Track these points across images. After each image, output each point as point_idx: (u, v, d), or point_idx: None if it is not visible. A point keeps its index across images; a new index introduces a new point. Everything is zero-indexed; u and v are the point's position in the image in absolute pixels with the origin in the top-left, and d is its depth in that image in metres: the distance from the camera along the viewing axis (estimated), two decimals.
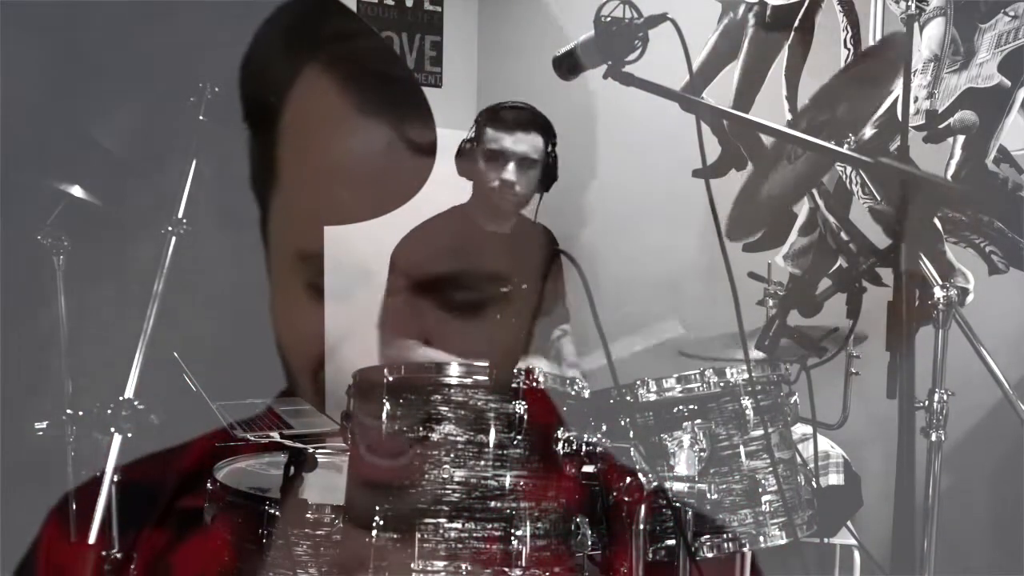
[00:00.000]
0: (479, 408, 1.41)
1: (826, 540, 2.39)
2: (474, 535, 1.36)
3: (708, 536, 1.68)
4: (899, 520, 1.25)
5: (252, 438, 2.37)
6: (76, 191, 2.30)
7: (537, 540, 1.39)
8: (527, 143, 2.33)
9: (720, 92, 3.10)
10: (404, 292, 2.30)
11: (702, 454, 1.68)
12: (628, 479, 1.46)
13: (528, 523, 1.38)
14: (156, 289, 1.59)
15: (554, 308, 2.56)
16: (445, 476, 1.37)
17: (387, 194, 1.03)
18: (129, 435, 1.53)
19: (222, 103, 1.58)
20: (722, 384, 1.73)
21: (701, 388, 1.73)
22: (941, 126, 2.62)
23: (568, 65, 1.33)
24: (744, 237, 2.64)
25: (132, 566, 1.61)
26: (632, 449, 1.50)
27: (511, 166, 2.31)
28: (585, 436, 1.49)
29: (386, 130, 0.95)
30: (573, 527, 1.44)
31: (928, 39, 2.63)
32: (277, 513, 1.61)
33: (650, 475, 1.48)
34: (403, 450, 1.38)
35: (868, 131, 2.66)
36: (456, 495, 1.37)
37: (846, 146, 2.30)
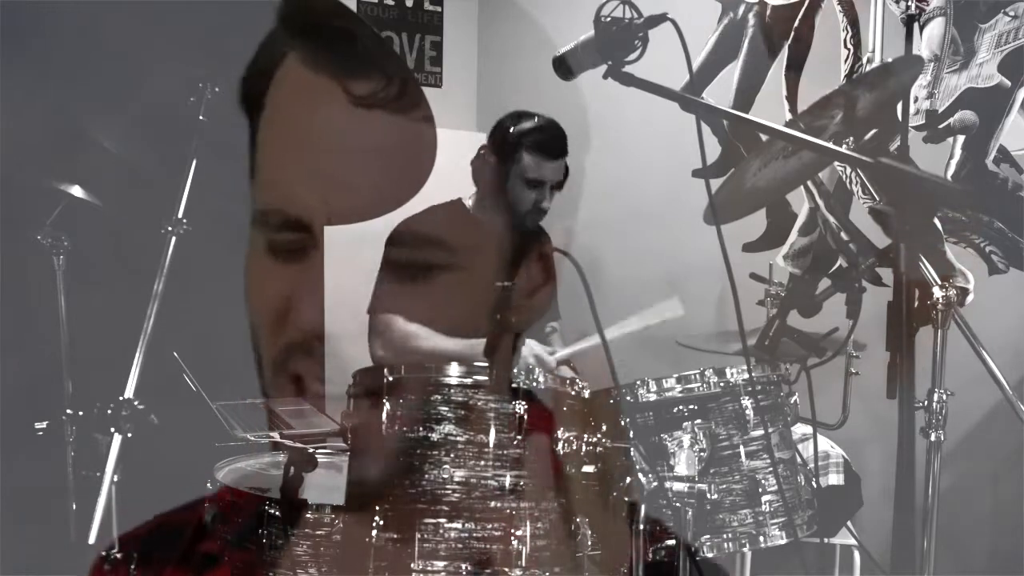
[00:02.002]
0: (479, 408, 1.41)
1: (826, 540, 2.39)
2: (474, 535, 1.36)
3: (708, 536, 1.68)
4: (899, 520, 1.25)
5: (252, 438, 2.37)
6: (76, 191, 2.30)
7: (537, 540, 1.39)
8: (562, 169, 2.36)
9: (720, 92, 3.10)
10: (399, 277, 2.30)
11: (702, 454, 1.68)
12: (628, 479, 1.46)
13: (528, 523, 1.38)
14: (156, 289, 1.60)
15: (548, 306, 2.57)
16: (445, 476, 1.37)
17: (389, 190, 1.02)
18: (129, 435, 1.53)
19: (222, 103, 1.58)
20: (722, 384, 1.73)
21: (701, 388, 1.73)
22: (941, 126, 2.62)
23: (568, 65, 1.33)
24: (724, 221, 2.64)
25: (132, 566, 1.61)
26: (632, 449, 1.50)
27: (547, 193, 2.34)
28: (585, 436, 1.49)
29: (384, 124, 0.93)
30: (573, 527, 1.44)
31: (928, 39, 2.63)
32: (277, 513, 1.61)
33: (650, 475, 1.48)
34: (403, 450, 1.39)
35: (868, 132, 2.66)
36: (456, 495, 1.37)
37: (845, 146, 2.31)
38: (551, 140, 2.34)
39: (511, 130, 2.35)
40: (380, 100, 0.90)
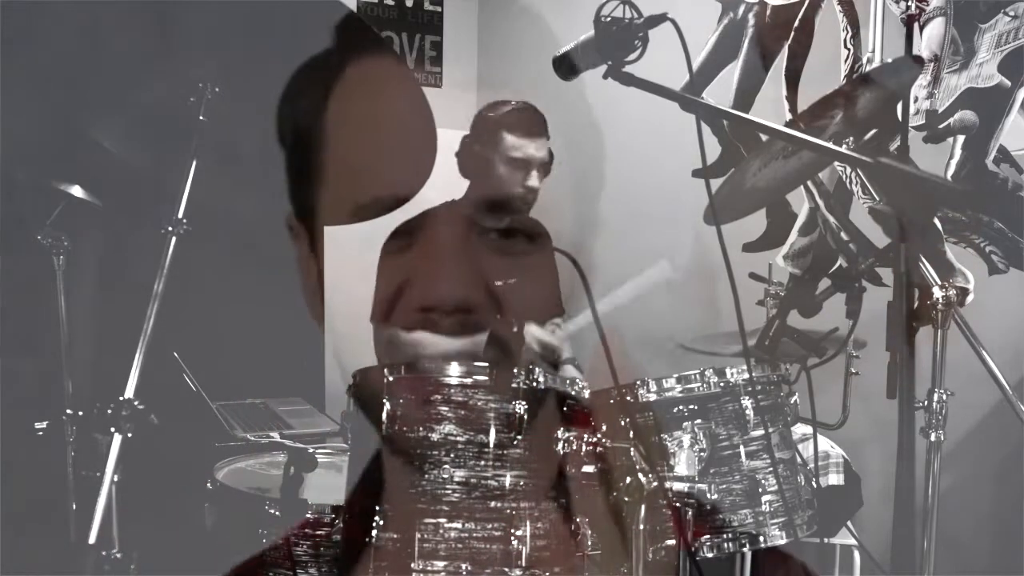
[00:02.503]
0: (479, 408, 1.41)
1: (826, 540, 2.39)
2: (474, 535, 1.36)
3: (708, 536, 1.67)
4: (899, 520, 1.25)
5: (252, 438, 2.38)
6: (76, 191, 2.30)
7: (537, 540, 1.39)
8: (545, 148, 2.36)
9: (720, 92, 3.10)
10: (396, 284, 2.30)
11: (702, 454, 1.68)
12: (628, 479, 1.46)
13: (528, 523, 1.38)
14: (156, 289, 1.59)
15: (549, 303, 2.56)
16: (445, 476, 1.37)
17: (424, 165, 1.08)
18: (129, 435, 1.53)
19: (222, 103, 1.58)
20: (722, 384, 1.73)
21: (701, 388, 1.72)
22: (941, 126, 2.62)
23: (568, 65, 1.33)
24: (724, 221, 2.64)
25: (132, 566, 1.61)
26: (632, 449, 1.50)
27: (534, 173, 2.34)
28: (585, 436, 1.49)
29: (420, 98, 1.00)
30: (573, 527, 1.44)
31: (928, 39, 2.63)
32: (277, 513, 1.61)
33: (650, 475, 1.47)
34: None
35: (868, 132, 2.67)
36: (456, 495, 1.37)
37: (845, 146, 2.31)
38: (530, 118, 2.37)
39: (490, 115, 2.38)
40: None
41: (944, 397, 1.85)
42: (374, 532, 1.38)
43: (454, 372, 1.44)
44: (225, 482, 1.94)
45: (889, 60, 2.72)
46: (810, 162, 1.89)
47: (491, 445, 1.39)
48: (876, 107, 1.90)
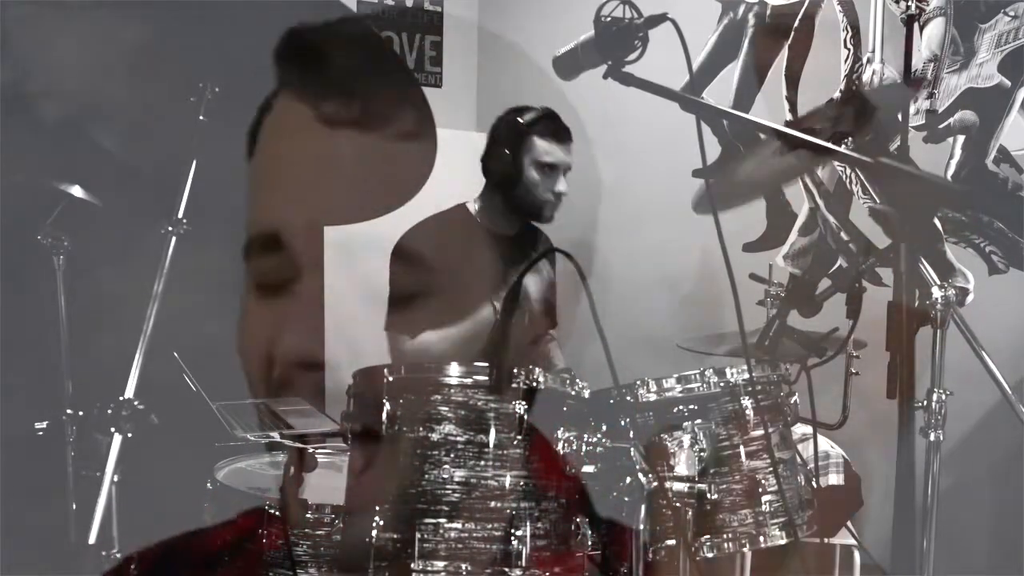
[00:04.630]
0: (479, 408, 1.41)
1: (826, 540, 2.39)
2: (474, 535, 1.36)
3: (708, 536, 1.68)
4: (899, 520, 1.25)
5: (252, 438, 2.37)
6: (76, 191, 2.30)
7: (537, 540, 1.39)
8: (571, 153, 2.40)
9: (720, 92, 3.10)
10: (406, 293, 2.30)
11: (702, 454, 1.68)
12: (628, 479, 1.46)
13: (528, 523, 1.38)
14: (156, 289, 1.60)
15: (554, 304, 2.56)
16: (445, 476, 1.37)
17: (386, 193, 1.02)
18: (129, 435, 1.54)
19: (222, 103, 1.58)
20: (722, 384, 1.73)
21: (701, 388, 1.72)
22: (941, 126, 2.62)
23: (568, 65, 1.33)
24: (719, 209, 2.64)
25: (132, 566, 1.61)
26: (632, 449, 1.50)
27: (562, 177, 2.37)
28: (585, 436, 1.49)
29: (380, 129, 0.93)
30: (573, 527, 1.44)
31: (928, 39, 2.63)
32: (277, 513, 1.61)
33: (650, 475, 1.48)
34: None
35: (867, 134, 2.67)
36: (456, 495, 1.37)
37: (845, 146, 2.31)
38: (558, 124, 2.39)
39: (520, 120, 2.38)
40: (371, 118, 0.91)
41: (944, 397, 1.86)
42: (374, 532, 1.38)
43: (454, 372, 1.44)
44: (225, 482, 1.94)
45: (887, 77, 2.71)
46: (806, 157, 1.89)
47: (491, 445, 1.39)
48: (870, 124, 1.90)
